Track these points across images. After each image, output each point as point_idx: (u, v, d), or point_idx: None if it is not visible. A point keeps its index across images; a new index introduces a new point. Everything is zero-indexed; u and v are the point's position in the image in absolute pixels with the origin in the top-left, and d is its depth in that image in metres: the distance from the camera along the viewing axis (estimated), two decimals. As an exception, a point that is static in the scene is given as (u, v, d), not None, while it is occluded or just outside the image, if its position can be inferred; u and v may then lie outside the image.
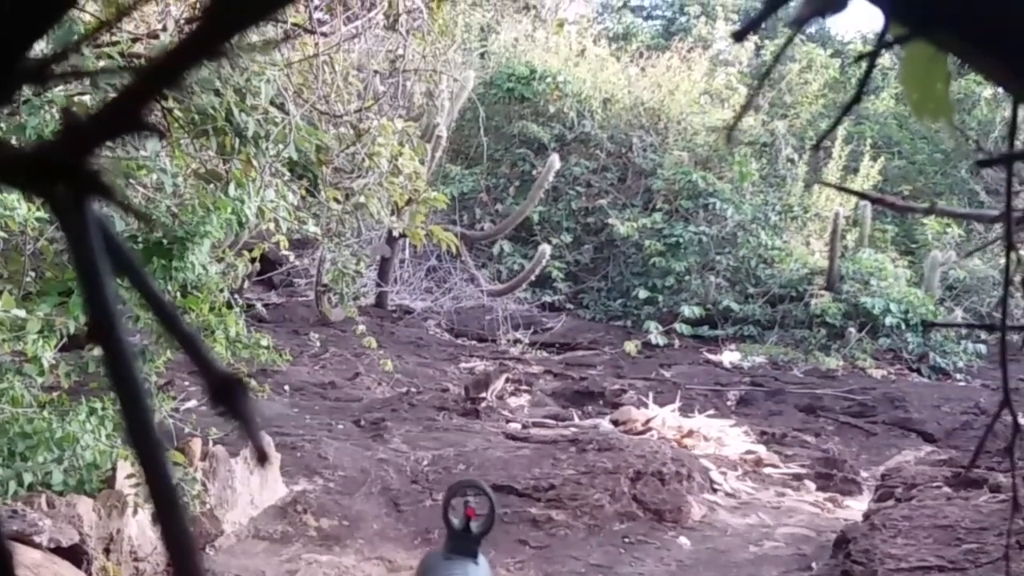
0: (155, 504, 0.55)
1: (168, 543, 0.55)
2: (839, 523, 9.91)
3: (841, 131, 22.26)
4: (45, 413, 7.59)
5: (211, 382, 0.54)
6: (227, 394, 0.55)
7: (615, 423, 13.38)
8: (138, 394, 0.54)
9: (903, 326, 18.69)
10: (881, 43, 0.80)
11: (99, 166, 0.55)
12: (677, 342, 19.63)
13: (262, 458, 0.57)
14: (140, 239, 7.29)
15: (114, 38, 6.77)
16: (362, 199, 9.01)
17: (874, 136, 23.22)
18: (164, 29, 7.18)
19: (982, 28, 0.74)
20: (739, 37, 0.85)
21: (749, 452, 12.68)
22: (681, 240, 20.85)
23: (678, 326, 19.89)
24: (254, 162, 7.64)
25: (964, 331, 19.44)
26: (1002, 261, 17.62)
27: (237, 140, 7.39)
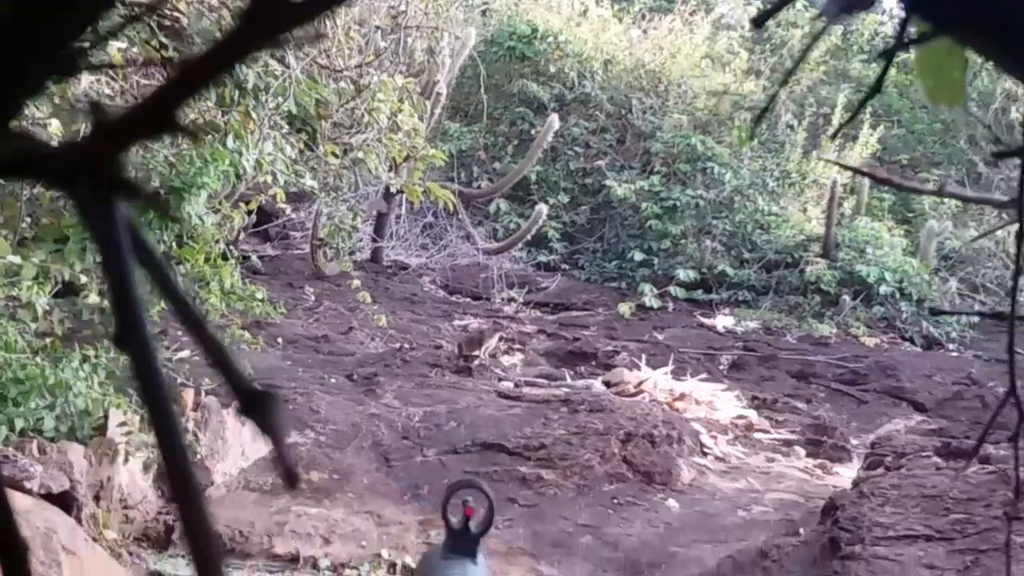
0: (183, 522, 0.55)
1: (196, 559, 0.55)
2: (828, 490, 9.94)
3: (841, 98, 22.19)
4: (38, 359, 7.59)
5: (241, 394, 0.54)
6: (257, 407, 0.55)
7: (607, 384, 13.40)
8: (166, 402, 0.54)
9: (897, 295, 18.70)
10: (900, 41, 0.79)
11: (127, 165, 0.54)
12: (671, 305, 19.64)
13: (291, 480, 0.56)
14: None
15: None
16: (360, 154, 8.99)
17: (874, 104, 23.10)
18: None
19: (1009, 29, 0.73)
20: (759, 23, 0.84)
21: (740, 417, 12.71)
22: (678, 203, 20.82)
23: (673, 289, 19.89)
24: (253, 114, 7.62)
25: (957, 301, 19.45)
26: (998, 234, 17.59)
27: (236, 92, 7.36)
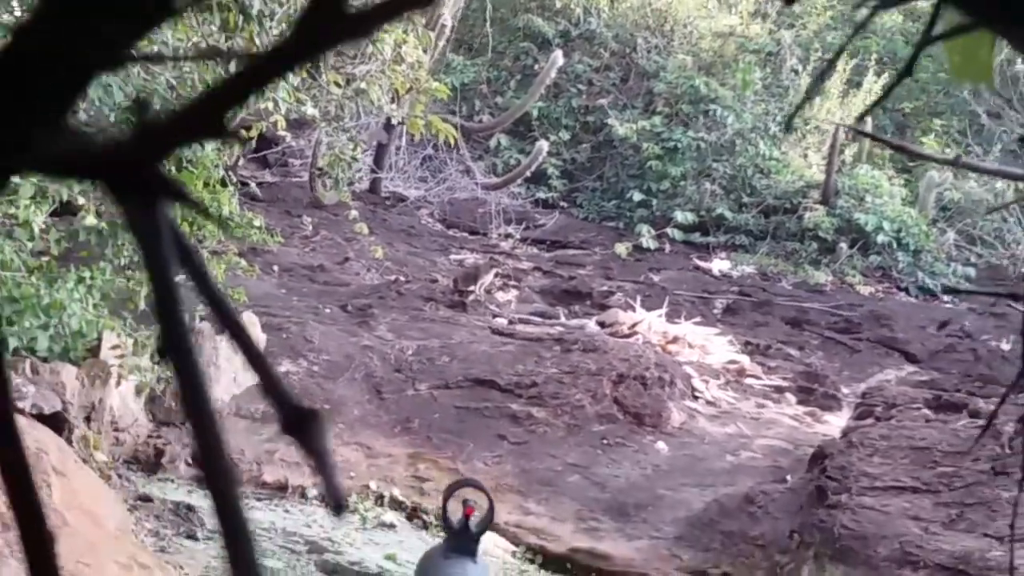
0: (226, 541, 0.54)
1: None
2: (817, 438, 9.99)
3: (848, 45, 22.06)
4: (33, 279, 7.58)
5: (284, 412, 0.52)
6: (301, 426, 0.53)
7: (601, 325, 13.42)
8: (211, 417, 0.53)
9: (894, 244, 18.67)
10: (930, 32, 0.78)
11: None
12: (668, 247, 19.61)
13: (338, 506, 0.55)
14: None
15: None
16: (363, 85, 8.93)
17: (879, 51, 22.94)
18: None
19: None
20: (790, 1, 0.83)
21: (732, 362, 12.74)
22: (679, 145, 20.72)
23: (670, 231, 19.84)
24: (257, 40, 7.56)
25: (954, 252, 19.44)
26: (998, 186, 17.52)
27: (241, 17, 7.30)
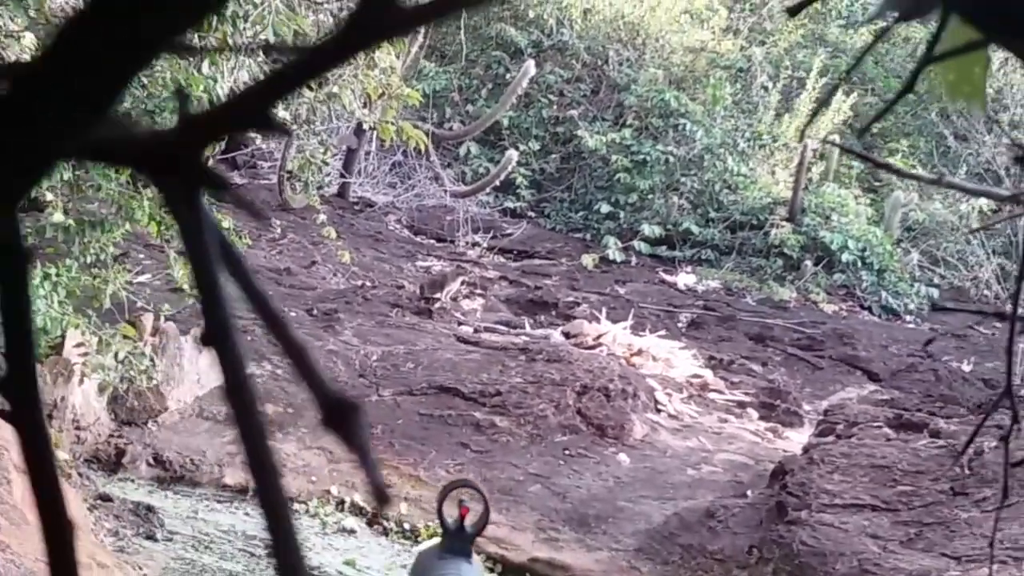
0: (273, 542, 0.54)
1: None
2: (778, 454, 10.03)
3: (817, 63, 22.12)
4: (-3, 275, 7.51)
5: (324, 404, 0.53)
6: (341, 419, 0.54)
7: (566, 335, 13.43)
8: (253, 407, 0.53)
9: (859, 263, 18.77)
10: (932, 51, 0.79)
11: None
12: (634, 259, 19.64)
13: (382, 498, 0.55)
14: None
15: None
16: (335, 89, 8.93)
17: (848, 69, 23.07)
18: None
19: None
20: (793, 13, 0.84)
21: (696, 376, 12.78)
22: (648, 158, 20.77)
23: (637, 244, 19.88)
24: (230, 41, 7.55)
25: (918, 272, 19.57)
26: (963, 208, 17.64)
27: (215, 18, 7.28)
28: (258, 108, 0.54)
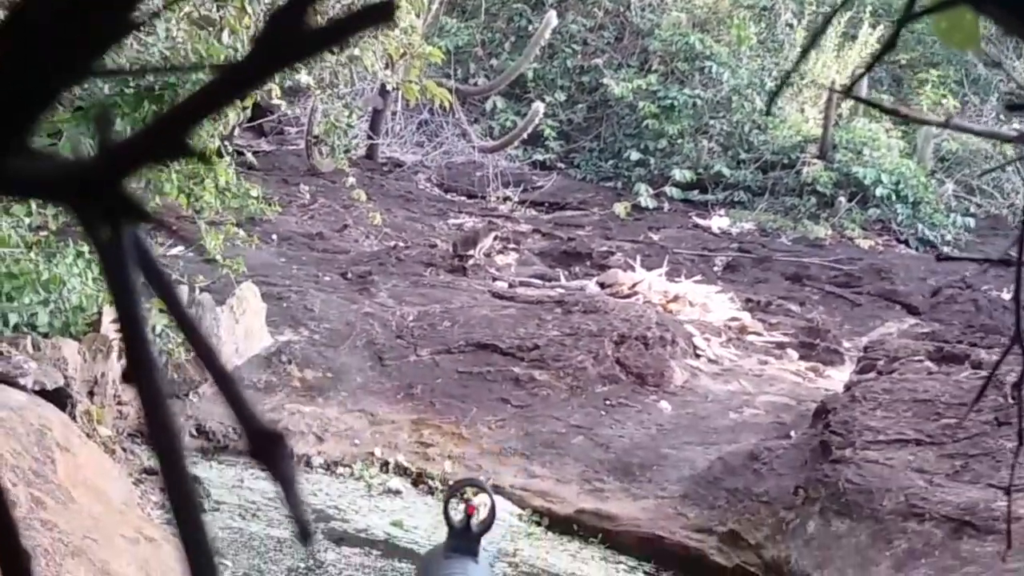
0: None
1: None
2: (820, 393, 9.99)
3: (842, -3, 21.94)
4: (32, 254, 7.57)
5: (250, 435, 0.51)
6: (267, 451, 0.52)
7: (601, 285, 13.41)
8: (176, 440, 0.52)
9: (893, 197, 18.64)
10: (912, 7, 0.76)
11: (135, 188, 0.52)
12: (667, 205, 19.58)
13: (305, 535, 0.53)
14: (131, 84, 7.19)
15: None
16: (356, 51, 8.89)
17: (874, 3, 22.86)
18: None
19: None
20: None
21: (733, 319, 12.73)
22: (675, 103, 20.66)
23: (668, 189, 19.81)
24: (248, 8, 7.52)
25: (953, 203, 19.41)
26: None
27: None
28: (177, 136, 0.52)
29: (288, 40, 0.50)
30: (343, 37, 0.52)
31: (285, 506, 0.51)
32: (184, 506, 0.51)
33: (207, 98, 0.52)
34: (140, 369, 0.52)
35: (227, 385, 0.53)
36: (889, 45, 0.92)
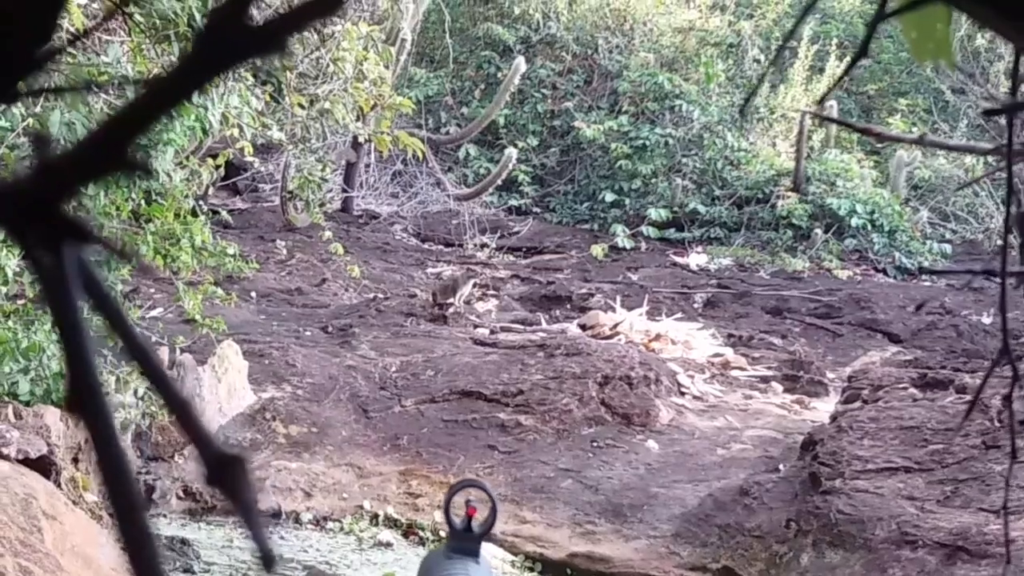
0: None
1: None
2: (806, 425, 9.98)
3: (807, 31, 22.09)
4: (10, 323, 7.53)
5: (207, 459, 0.50)
6: (224, 474, 0.51)
7: (583, 327, 13.40)
8: (124, 469, 0.50)
9: (869, 227, 18.74)
10: (882, 11, 0.76)
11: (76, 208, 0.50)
12: (644, 245, 19.63)
13: (268, 561, 0.51)
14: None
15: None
16: (327, 105, 8.91)
17: (840, 35, 23.00)
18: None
19: None
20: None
21: (716, 355, 12.73)
22: (647, 143, 20.76)
23: (645, 229, 19.88)
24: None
25: (929, 230, 19.51)
26: (967, 161, 17.61)
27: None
28: (116, 150, 0.51)
29: (229, 40, 0.49)
30: (287, 34, 0.51)
31: (246, 531, 0.49)
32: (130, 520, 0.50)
33: (148, 105, 0.50)
34: (85, 398, 0.51)
35: (181, 409, 0.51)
36: (861, 52, 0.91)
